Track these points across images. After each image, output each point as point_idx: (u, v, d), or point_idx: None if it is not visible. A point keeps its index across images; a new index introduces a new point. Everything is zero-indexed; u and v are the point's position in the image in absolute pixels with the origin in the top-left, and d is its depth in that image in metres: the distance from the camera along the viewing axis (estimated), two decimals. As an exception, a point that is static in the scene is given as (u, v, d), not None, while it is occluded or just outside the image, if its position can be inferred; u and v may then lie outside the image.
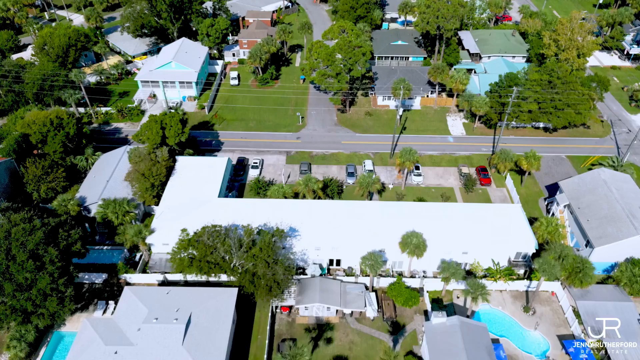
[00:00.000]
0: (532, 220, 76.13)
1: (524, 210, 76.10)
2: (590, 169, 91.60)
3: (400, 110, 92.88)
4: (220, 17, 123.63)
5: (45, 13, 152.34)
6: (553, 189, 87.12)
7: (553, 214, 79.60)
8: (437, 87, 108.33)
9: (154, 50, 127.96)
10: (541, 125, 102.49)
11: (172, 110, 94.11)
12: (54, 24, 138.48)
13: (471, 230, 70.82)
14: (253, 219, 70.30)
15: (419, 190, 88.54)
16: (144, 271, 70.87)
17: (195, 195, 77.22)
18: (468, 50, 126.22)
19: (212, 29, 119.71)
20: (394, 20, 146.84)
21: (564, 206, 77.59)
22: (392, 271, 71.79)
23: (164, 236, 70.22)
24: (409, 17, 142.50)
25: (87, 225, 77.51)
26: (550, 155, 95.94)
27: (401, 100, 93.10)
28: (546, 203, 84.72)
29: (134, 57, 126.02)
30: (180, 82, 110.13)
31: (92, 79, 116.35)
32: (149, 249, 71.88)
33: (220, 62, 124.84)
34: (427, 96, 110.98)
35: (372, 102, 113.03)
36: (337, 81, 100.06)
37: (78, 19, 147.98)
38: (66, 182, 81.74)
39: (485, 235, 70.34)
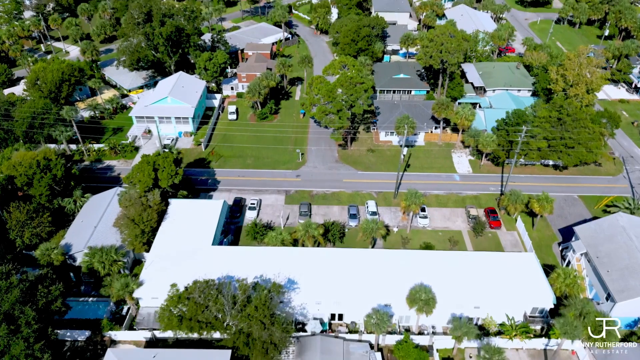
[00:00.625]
0: (547, 269, 71.41)
1: (538, 258, 71.43)
2: (604, 211, 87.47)
3: (405, 150, 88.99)
4: (218, 51, 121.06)
5: (42, 45, 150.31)
6: (567, 233, 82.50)
7: (569, 263, 74.68)
8: (441, 122, 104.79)
9: (151, 84, 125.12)
10: (550, 162, 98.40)
11: (166, 150, 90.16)
12: (49, 56, 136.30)
13: (483, 283, 65.98)
14: (249, 270, 65.77)
15: (425, 233, 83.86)
16: (130, 327, 65.66)
17: (188, 242, 72.59)
18: (472, 83, 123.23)
19: (210, 63, 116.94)
20: (395, 52, 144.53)
21: (581, 254, 72.78)
22: (399, 326, 66.56)
23: (153, 289, 65.25)
24: (411, 49, 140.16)
25: (72, 274, 72.61)
26: (561, 195, 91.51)
27: (405, 138, 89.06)
28: (560, 249, 79.92)
29: (129, 90, 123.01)
30: (176, 118, 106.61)
31: (86, 114, 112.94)
32: (137, 303, 66.79)
33: (218, 96, 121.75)
34: (431, 132, 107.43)
35: (374, 137, 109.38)
36: (339, 118, 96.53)
37: (75, 51, 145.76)
38: (52, 227, 77.25)
39: (499, 288, 65.46)
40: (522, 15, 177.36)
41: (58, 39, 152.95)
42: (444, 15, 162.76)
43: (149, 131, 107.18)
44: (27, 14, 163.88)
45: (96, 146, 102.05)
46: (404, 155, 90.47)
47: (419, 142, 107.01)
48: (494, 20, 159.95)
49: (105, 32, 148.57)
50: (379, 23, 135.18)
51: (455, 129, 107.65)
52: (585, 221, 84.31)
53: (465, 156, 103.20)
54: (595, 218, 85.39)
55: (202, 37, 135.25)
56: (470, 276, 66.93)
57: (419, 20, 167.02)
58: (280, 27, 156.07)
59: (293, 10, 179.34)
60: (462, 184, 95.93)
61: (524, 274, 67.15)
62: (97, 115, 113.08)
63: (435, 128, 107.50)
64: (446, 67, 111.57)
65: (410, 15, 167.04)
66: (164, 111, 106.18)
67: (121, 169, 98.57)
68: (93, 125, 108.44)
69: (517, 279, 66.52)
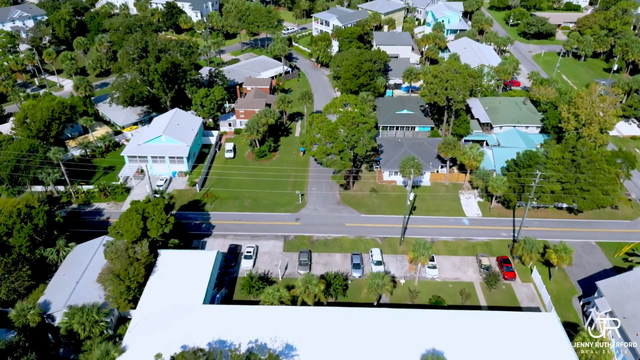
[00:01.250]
0: (569, 329, 65.43)
1: (559, 317, 65.53)
2: (625, 260, 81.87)
3: (411, 195, 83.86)
4: (216, 87, 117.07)
5: (36, 79, 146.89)
6: (587, 285, 76.70)
7: (592, 321, 68.55)
8: (447, 161, 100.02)
9: (146, 120, 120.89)
10: (564, 205, 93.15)
11: (157, 196, 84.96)
12: (42, 91, 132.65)
13: (501, 348, 59.77)
14: (243, 333, 60.09)
15: (435, 285, 77.95)
16: (111, 399, 59.30)
17: (177, 300, 66.72)
18: (478, 119, 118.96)
19: (206, 99, 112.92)
20: (397, 86, 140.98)
21: (606, 313, 66.76)
22: (408, 397, 60.17)
23: (137, 357, 59.05)
24: (414, 83, 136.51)
25: (50, 335, 66.43)
26: (578, 242, 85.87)
27: (411, 182, 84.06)
28: (582, 304, 73.89)
29: (123, 127, 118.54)
30: (170, 157, 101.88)
31: (77, 153, 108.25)
32: (119, 372, 60.60)
33: (215, 132, 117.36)
34: (437, 171, 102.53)
35: (377, 176, 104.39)
36: (340, 158, 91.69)
37: (69, 85, 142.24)
38: (31, 282, 71.36)
39: (519, 354, 59.18)
40: (525, 48, 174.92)
41: (52, 73, 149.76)
42: (446, 48, 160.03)
43: (142, 171, 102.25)
44: (23, 46, 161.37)
45: (85, 187, 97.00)
46: (410, 200, 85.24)
47: (424, 183, 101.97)
48: (497, 53, 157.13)
49: (101, 65, 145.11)
50: (380, 57, 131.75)
51: (462, 168, 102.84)
52: (605, 272, 79.15)
53: (474, 198, 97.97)
54: (616, 268, 79.98)
55: (200, 71, 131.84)
56: (486, 340, 60.83)
57: (422, 53, 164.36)
58: (280, 60, 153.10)
59: (293, 43, 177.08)
60: (471, 228, 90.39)
61: (546, 338, 60.99)
62: (88, 154, 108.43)
63: (442, 167, 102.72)
64: (451, 104, 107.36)
65: (413, 49, 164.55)
66: (157, 150, 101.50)
67: (111, 212, 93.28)
68: (83, 164, 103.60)
69: (538, 344, 60.35)
